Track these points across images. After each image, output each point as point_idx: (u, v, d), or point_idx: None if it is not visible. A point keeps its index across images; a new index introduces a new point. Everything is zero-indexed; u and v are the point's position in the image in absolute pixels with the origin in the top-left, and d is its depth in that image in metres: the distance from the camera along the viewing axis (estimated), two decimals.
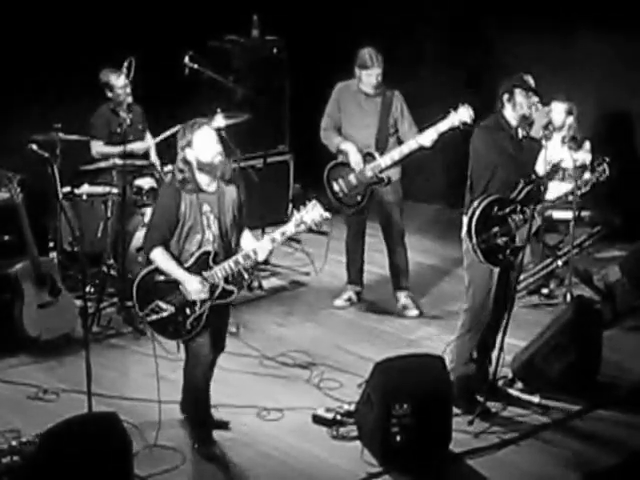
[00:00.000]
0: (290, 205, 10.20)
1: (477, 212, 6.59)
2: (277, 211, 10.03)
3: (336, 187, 8.18)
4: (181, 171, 6.01)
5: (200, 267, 6.04)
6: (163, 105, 9.20)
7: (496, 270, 6.68)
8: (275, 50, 10.24)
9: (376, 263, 8.89)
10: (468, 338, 6.78)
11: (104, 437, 5.44)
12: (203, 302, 6.07)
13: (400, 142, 8.04)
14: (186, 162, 6.00)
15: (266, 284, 8.82)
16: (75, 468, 5.30)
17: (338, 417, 6.51)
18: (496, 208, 6.58)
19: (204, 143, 5.97)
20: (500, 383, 6.94)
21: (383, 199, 8.17)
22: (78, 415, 5.76)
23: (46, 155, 7.87)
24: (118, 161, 8.14)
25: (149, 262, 6.10)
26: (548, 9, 9.65)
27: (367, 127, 8.07)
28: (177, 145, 6.07)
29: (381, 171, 8.05)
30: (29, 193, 7.65)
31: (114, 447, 5.46)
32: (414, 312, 8.20)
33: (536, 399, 6.80)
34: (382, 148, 8.06)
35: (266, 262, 9.10)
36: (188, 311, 6.08)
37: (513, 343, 7.50)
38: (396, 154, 7.99)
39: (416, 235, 9.07)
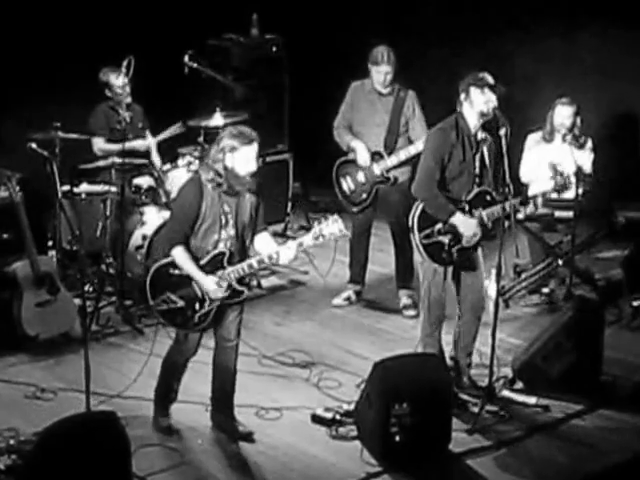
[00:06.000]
0: (289, 204, 10.17)
1: (420, 207, 6.61)
2: (276, 210, 10.00)
3: (344, 184, 8.22)
4: (217, 173, 6.05)
5: (213, 266, 6.13)
6: (163, 104, 9.19)
7: (448, 270, 6.67)
8: (274, 48, 10.22)
9: (377, 262, 8.88)
10: (430, 336, 6.81)
11: (102, 436, 5.42)
12: (212, 300, 6.18)
13: (411, 142, 8.05)
14: (225, 167, 6.04)
15: (265, 283, 8.78)
16: (73, 467, 5.28)
17: (337, 417, 6.50)
18: None
19: (248, 159, 6.04)
20: (500, 383, 6.91)
21: (389, 198, 8.17)
22: (76, 414, 5.75)
23: (45, 154, 7.85)
24: (117, 159, 8.15)
25: (167, 256, 6.15)
26: (551, 7, 9.65)
27: (378, 126, 8.07)
28: (216, 143, 6.09)
29: (388, 170, 8.06)
30: (28, 192, 7.64)
31: (112, 446, 5.44)
32: (412, 312, 8.16)
33: (533, 400, 6.78)
34: (391, 147, 8.07)
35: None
36: (197, 306, 6.20)
37: (513, 342, 7.51)
38: (403, 154, 8.01)
39: None
